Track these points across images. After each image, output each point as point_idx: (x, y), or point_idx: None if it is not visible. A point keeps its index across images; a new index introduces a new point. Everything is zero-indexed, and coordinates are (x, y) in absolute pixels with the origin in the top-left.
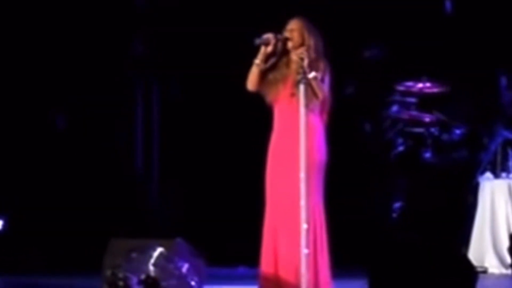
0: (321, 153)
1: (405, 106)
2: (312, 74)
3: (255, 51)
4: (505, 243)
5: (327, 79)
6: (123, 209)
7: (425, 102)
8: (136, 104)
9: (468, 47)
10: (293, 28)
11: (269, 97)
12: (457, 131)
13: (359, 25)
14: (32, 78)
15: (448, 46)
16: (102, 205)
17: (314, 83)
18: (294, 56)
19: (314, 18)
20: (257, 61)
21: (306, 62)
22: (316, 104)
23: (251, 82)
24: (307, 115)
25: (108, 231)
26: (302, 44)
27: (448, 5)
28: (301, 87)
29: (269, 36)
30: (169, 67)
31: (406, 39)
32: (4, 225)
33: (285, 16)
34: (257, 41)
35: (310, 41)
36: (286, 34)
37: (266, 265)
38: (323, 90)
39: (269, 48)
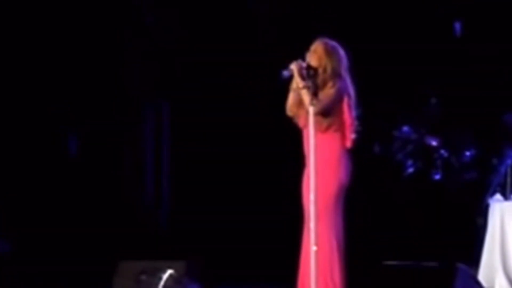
0: (337, 178)
1: (415, 127)
2: (301, 84)
3: (264, 76)
4: None
5: (345, 102)
6: (133, 232)
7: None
8: (146, 128)
9: (474, 68)
10: (314, 49)
11: (300, 121)
12: (467, 153)
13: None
14: (44, 102)
15: (456, 67)
16: (112, 228)
17: (303, 93)
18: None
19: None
20: (294, 85)
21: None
22: (329, 127)
23: (288, 106)
24: (318, 137)
25: (117, 254)
26: (319, 66)
27: (457, 27)
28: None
29: (292, 67)
30: (180, 91)
31: (415, 61)
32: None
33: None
34: (285, 73)
35: (328, 64)
36: (308, 54)
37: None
38: (320, 104)
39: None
